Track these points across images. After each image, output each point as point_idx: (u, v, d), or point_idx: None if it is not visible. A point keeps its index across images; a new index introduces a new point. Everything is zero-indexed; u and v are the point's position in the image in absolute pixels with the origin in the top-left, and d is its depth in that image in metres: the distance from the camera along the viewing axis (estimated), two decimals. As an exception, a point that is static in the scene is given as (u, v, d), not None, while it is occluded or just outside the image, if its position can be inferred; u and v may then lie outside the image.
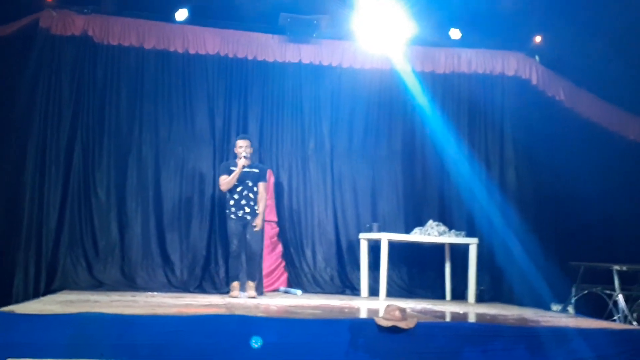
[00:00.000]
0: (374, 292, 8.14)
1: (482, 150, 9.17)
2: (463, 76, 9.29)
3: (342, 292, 8.48)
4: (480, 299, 8.26)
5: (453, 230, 8.33)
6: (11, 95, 7.95)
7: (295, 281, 8.57)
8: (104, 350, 4.54)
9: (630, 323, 6.93)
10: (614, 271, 7.22)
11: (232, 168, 7.30)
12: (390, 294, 8.09)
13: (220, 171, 7.44)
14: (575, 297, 7.67)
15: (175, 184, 8.44)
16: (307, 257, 8.76)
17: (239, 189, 7.28)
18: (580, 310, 7.46)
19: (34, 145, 7.90)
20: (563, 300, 7.86)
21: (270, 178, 8.46)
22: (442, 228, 8.28)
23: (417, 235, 8.27)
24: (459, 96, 9.31)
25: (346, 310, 6.25)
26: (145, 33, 8.47)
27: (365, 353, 4.92)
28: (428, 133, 9.07)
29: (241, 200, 7.27)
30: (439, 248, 8.63)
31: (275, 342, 4.82)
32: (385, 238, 7.91)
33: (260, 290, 7.58)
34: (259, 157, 8.57)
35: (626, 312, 7.05)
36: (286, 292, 8.27)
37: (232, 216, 7.28)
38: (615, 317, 7.15)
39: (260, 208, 7.32)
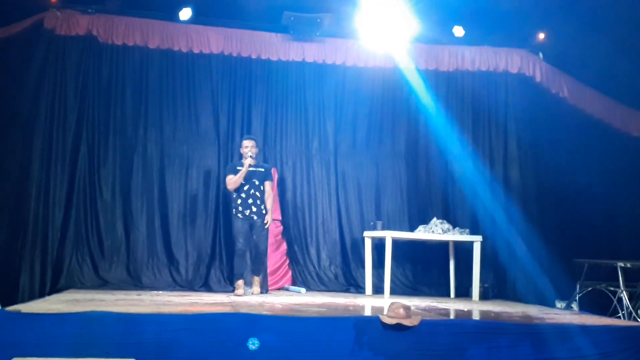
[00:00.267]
0: (378, 290, 8.16)
1: (486, 147, 9.16)
2: (467, 74, 9.29)
3: (347, 290, 8.50)
4: (485, 296, 8.26)
5: (457, 228, 8.34)
6: (17, 95, 7.98)
7: (299, 279, 8.59)
8: (109, 348, 4.58)
9: (635, 320, 6.94)
10: (618, 268, 7.23)
11: (239, 168, 7.37)
12: (394, 291, 8.12)
13: (227, 171, 7.53)
14: (580, 294, 7.67)
15: (180, 183, 8.48)
16: (311, 255, 8.78)
17: (245, 188, 7.34)
18: (585, 307, 7.47)
19: (40, 144, 7.93)
20: (567, 297, 7.86)
21: (274, 176, 8.48)
22: (446, 226, 8.29)
23: (421, 233, 8.28)
24: (462, 94, 9.30)
25: (351, 308, 6.26)
26: (150, 32, 8.49)
27: (369, 351, 4.94)
28: (432, 131, 9.06)
29: (248, 199, 7.33)
30: (443, 246, 8.63)
31: (281, 340, 4.85)
32: (389, 236, 7.92)
33: (265, 288, 7.63)
34: (263, 156, 8.60)
35: (630, 308, 7.05)
36: (286, 289, 8.32)
37: (239, 215, 7.34)
38: (619, 314, 7.15)
39: (268, 205, 7.42)
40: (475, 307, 7.09)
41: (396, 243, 8.16)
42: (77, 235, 8.01)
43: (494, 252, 8.65)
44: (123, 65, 8.47)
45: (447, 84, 9.27)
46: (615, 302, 7.27)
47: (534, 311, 6.71)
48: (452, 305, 7.09)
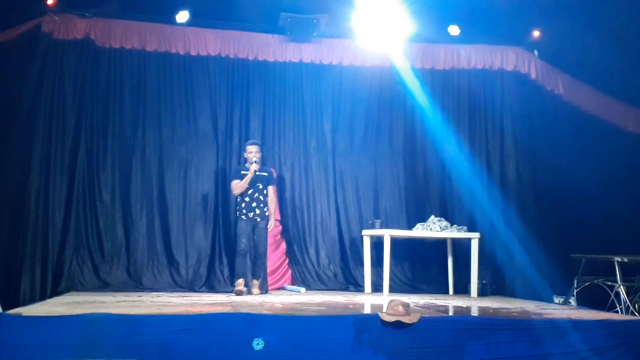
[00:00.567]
0: (377, 288, 8.20)
1: (483, 145, 9.20)
2: (462, 72, 9.32)
3: (346, 289, 8.54)
4: (483, 292, 8.30)
5: (455, 225, 8.37)
6: (15, 99, 8.00)
7: (299, 278, 8.63)
8: (111, 350, 4.61)
9: (632, 314, 6.98)
10: (615, 263, 7.26)
11: (244, 173, 7.50)
12: (393, 289, 8.15)
13: (232, 176, 7.66)
14: (577, 289, 7.70)
15: (179, 184, 8.51)
16: (310, 254, 8.82)
17: (250, 192, 7.49)
18: (582, 302, 7.49)
19: (39, 148, 7.96)
20: (565, 292, 7.89)
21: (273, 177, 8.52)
22: (444, 223, 8.32)
23: (419, 231, 8.30)
24: (458, 92, 9.33)
25: (350, 306, 6.29)
26: (147, 35, 8.52)
27: (369, 348, 4.97)
28: (429, 129, 9.08)
29: (252, 202, 7.47)
30: (441, 243, 8.67)
31: (281, 339, 4.87)
32: (387, 234, 7.95)
33: (265, 289, 7.67)
34: (262, 156, 8.61)
35: (628, 303, 7.09)
36: (283, 288, 8.37)
37: (243, 217, 7.48)
38: (617, 309, 7.19)
39: (271, 209, 7.59)
40: (474, 303, 7.13)
41: (395, 241, 8.19)
42: (77, 238, 8.04)
43: (492, 249, 8.67)
44: (121, 69, 8.51)
45: (443, 83, 9.30)
46: (612, 296, 7.29)
47: (532, 307, 6.75)
48: (450, 302, 7.14)
